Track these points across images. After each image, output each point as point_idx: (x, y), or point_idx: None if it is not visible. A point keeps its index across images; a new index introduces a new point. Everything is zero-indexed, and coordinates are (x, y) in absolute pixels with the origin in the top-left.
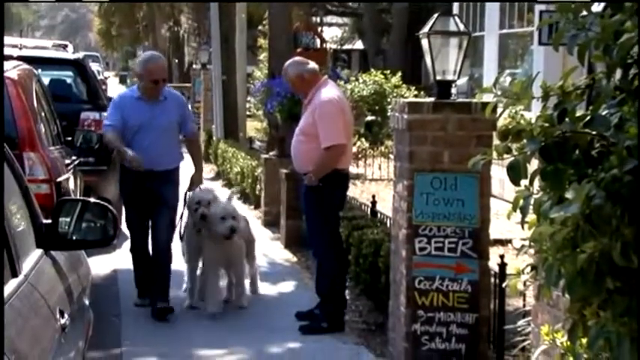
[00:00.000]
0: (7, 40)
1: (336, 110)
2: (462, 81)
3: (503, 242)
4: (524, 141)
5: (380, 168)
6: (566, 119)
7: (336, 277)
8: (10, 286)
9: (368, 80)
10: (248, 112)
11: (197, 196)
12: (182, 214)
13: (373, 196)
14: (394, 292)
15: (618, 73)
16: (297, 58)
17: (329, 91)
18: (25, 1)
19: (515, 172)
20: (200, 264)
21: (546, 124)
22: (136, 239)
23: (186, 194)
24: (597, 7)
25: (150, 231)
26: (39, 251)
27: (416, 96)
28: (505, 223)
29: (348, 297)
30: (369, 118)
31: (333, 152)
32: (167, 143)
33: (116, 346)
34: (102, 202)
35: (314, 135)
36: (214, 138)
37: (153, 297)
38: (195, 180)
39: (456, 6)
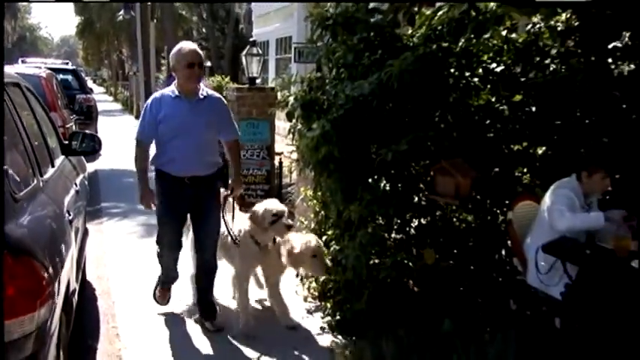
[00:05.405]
0: (38, 60)
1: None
2: (260, 79)
3: (282, 153)
4: (292, 101)
5: None
6: (311, 92)
7: None
8: (51, 171)
9: (214, 80)
10: None
11: (272, 207)
12: (231, 217)
13: None
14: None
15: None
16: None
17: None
18: (26, 1)
19: (290, 115)
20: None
21: (302, 94)
22: (167, 260)
23: (226, 199)
24: (325, 41)
25: (182, 247)
26: (62, 156)
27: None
28: (283, 142)
29: None
30: None
31: None
32: (209, 144)
33: (98, 203)
34: (92, 133)
35: None
36: (140, 106)
37: (201, 316)
38: (236, 186)
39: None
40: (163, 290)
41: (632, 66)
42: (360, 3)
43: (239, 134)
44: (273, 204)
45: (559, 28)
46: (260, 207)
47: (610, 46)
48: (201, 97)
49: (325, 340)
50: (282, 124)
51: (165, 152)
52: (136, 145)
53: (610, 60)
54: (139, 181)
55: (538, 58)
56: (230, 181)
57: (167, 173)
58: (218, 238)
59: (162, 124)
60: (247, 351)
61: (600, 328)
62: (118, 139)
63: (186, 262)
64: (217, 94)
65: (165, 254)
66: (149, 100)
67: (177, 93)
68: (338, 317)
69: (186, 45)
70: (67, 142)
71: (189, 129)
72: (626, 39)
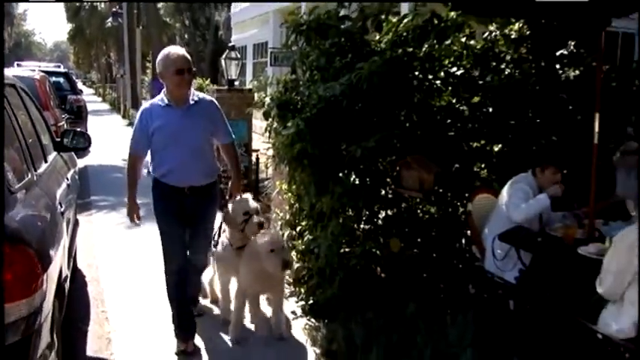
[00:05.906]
0: (32, 64)
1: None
2: (238, 81)
3: (258, 150)
4: (268, 101)
5: None
6: (287, 93)
7: None
8: (44, 166)
9: (195, 83)
10: (143, 97)
11: (243, 206)
12: (220, 226)
13: None
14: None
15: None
16: None
17: None
18: (26, 1)
19: (266, 115)
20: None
21: (278, 95)
22: (174, 270)
23: (224, 204)
24: (299, 45)
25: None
26: (55, 152)
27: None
28: (259, 140)
29: None
30: None
31: None
32: (204, 150)
33: (88, 197)
34: (82, 131)
35: None
36: (127, 107)
37: None
38: (235, 189)
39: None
40: (185, 338)
41: (577, 71)
42: (333, 8)
43: (233, 137)
44: (243, 202)
45: (513, 37)
46: (230, 206)
47: (558, 54)
48: (192, 102)
49: (299, 323)
50: (258, 123)
51: (162, 163)
52: (129, 156)
53: (558, 66)
54: (128, 193)
55: (494, 63)
56: (229, 185)
57: (166, 184)
58: (210, 245)
59: (155, 135)
60: (227, 333)
61: (550, 308)
62: (107, 137)
63: None
64: (209, 97)
65: (173, 268)
66: (139, 112)
67: (166, 101)
68: (311, 302)
69: (174, 50)
70: (59, 139)
71: (181, 137)
72: (572, 47)
